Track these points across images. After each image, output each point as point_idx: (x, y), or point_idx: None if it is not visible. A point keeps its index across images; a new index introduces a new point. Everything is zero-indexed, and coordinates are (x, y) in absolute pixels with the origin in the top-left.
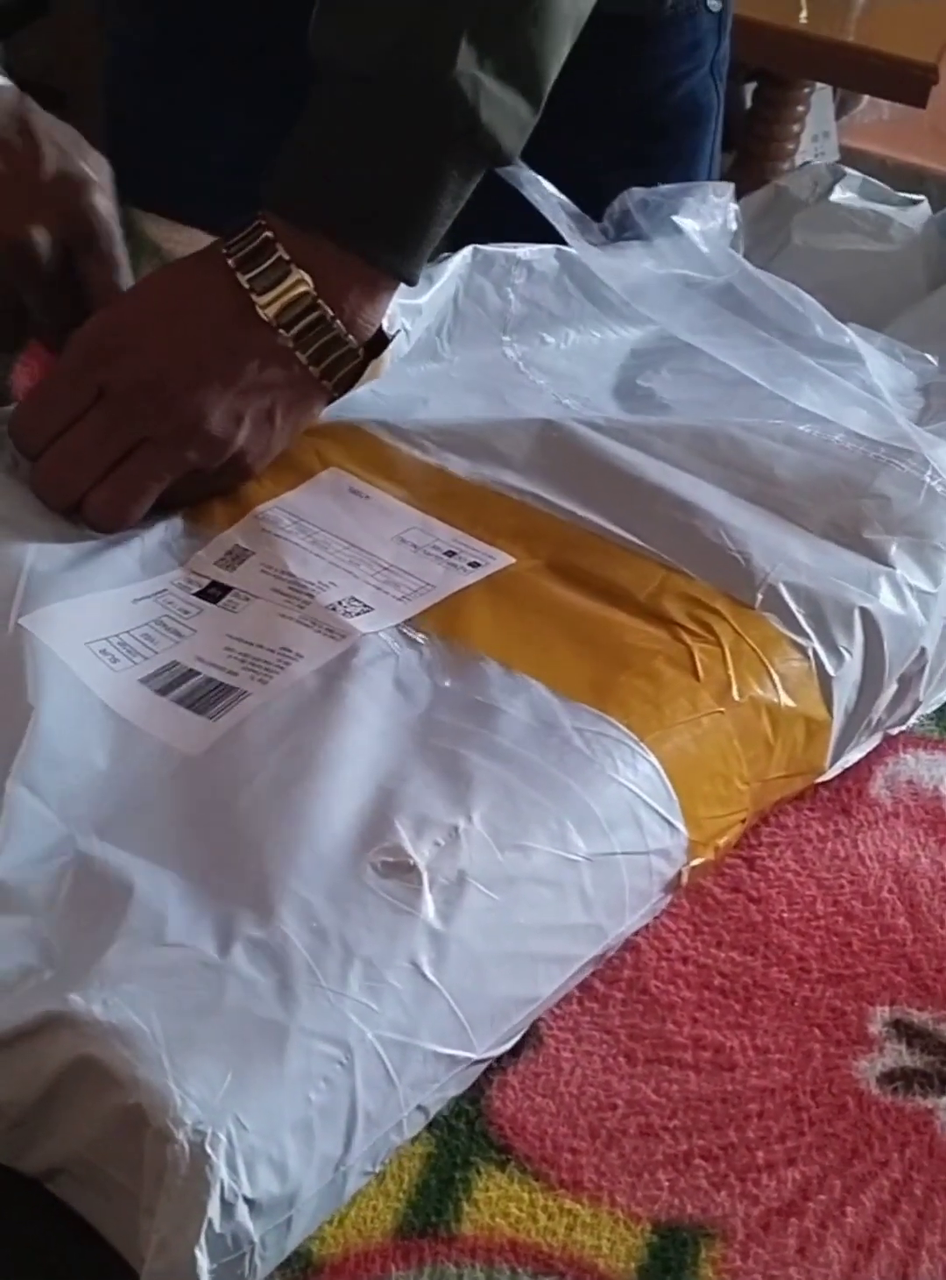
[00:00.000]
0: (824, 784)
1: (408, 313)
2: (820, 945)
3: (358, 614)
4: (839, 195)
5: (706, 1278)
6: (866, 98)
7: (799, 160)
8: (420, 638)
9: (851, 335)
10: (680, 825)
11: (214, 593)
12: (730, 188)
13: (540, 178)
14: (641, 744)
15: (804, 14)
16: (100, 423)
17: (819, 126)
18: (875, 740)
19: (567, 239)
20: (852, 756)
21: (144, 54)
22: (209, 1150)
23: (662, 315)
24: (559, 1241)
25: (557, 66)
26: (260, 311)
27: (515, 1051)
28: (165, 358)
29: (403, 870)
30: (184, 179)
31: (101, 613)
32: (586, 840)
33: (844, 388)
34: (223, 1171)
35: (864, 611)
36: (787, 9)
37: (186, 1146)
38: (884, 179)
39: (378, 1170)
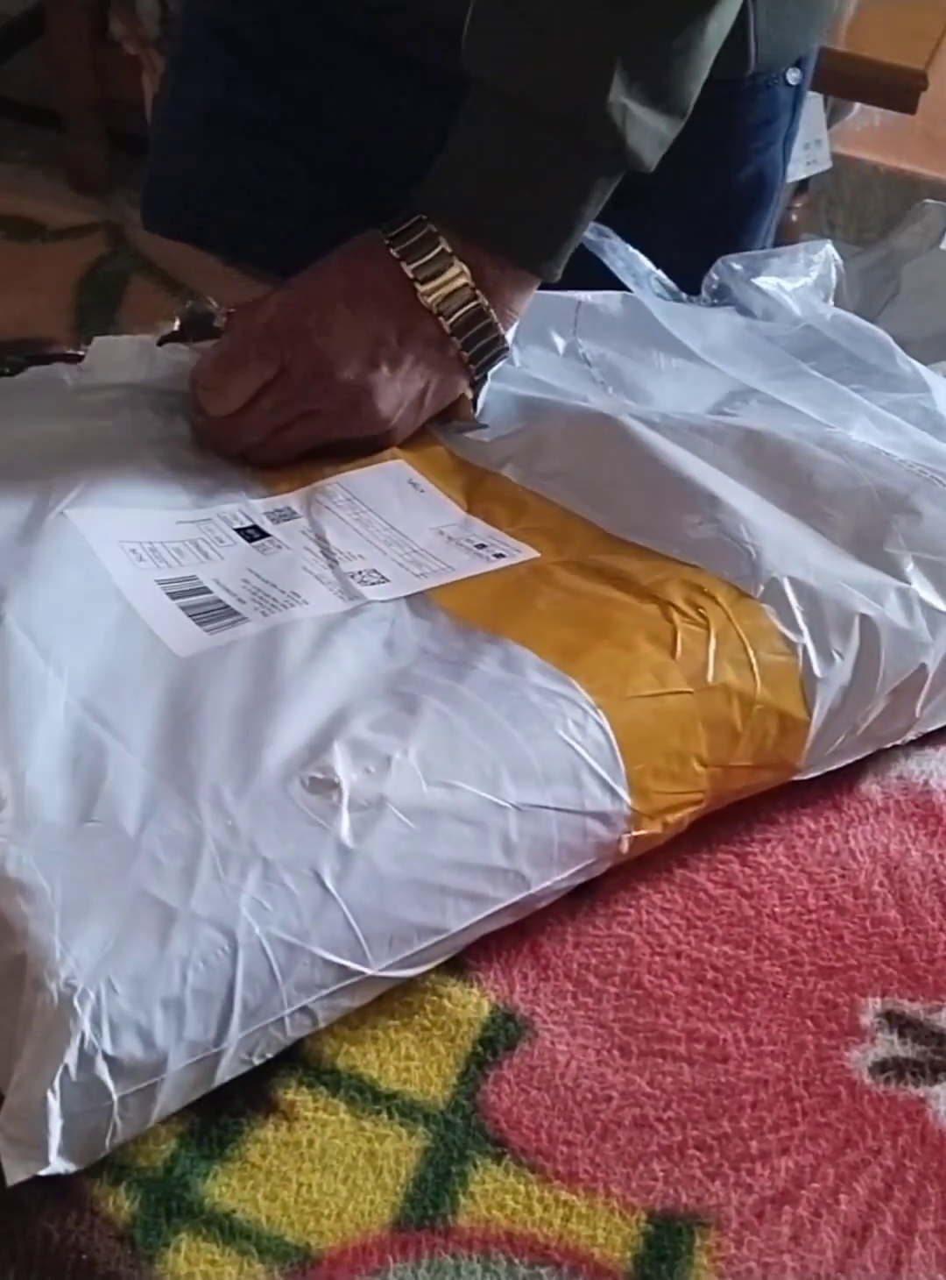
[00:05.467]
0: (815, 780)
1: None
2: (812, 938)
3: (373, 583)
4: None
5: (701, 1266)
6: (857, 104)
7: (790, 167)
8: (423, 608)
9: (923, 370)
10: (622, 792)
11: (252, 534)
12: (826, 245)
13: (629, 246)
14: (597, 710)
15: None
16: (277, 396)
17: (810, 134)
18: (866, 749)
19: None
20: (839, 761)
21: (205, 120)
22: (76, 1004)
23: (731, 366)
24: (555, 1232)
25: (699, 86)
26: (422, 299)
27: (511, 1046)
28: (345, 343)
29: (326, 788)
30: (236, 231)
31: (143, 524)
32: (518, 788)
33: (905, 418)
34: (85, 1025)
35: (864, 618)
36: None
37: (56, 996)
38: (876, 185)
39: (257, 1062)
